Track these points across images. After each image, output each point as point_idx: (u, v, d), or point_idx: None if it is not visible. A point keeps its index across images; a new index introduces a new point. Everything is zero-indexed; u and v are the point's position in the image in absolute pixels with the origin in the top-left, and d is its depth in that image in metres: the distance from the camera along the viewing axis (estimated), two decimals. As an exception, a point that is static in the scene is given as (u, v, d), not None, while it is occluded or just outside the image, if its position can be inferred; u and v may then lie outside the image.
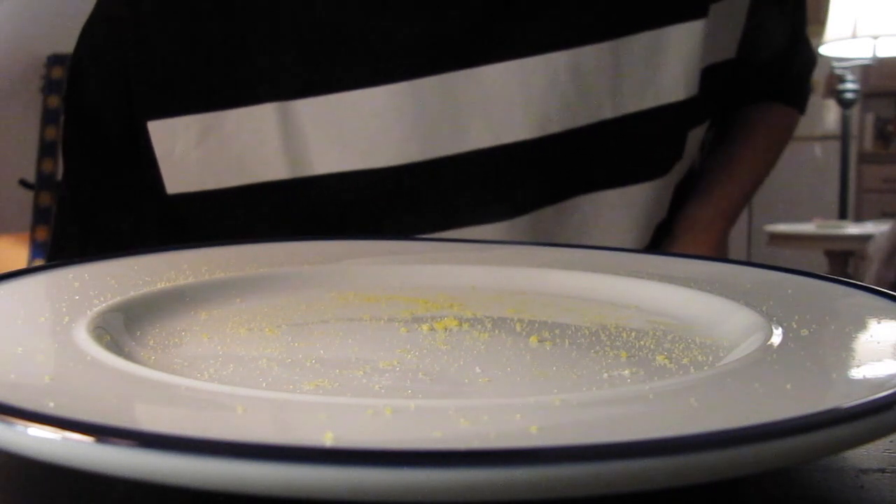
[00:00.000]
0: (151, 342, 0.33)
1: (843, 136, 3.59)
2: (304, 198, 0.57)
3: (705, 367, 0.30)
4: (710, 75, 0.63)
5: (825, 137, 4.27)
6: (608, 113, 0.58)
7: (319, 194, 0.56)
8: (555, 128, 0.57)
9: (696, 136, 0.66)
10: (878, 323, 0.32)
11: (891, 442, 0.28)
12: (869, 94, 4.17)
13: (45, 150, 2.09)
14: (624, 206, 0.60)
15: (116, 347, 0.30)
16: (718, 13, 0.61)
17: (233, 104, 0.56)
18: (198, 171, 0.57)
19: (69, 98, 0.61)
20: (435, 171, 0.56)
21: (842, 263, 2.95)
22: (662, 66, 0.59)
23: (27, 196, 2.08)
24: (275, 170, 0.56)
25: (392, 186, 0.56)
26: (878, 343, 0.29)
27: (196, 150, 0.56)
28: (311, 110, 0.56)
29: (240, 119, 0.56)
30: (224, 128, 0.56)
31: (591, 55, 0.57)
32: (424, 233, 0.57)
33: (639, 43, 0.58)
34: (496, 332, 0.35)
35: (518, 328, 0.36)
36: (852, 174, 3.88)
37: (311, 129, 0.55)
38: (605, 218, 0.60)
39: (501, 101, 0.56)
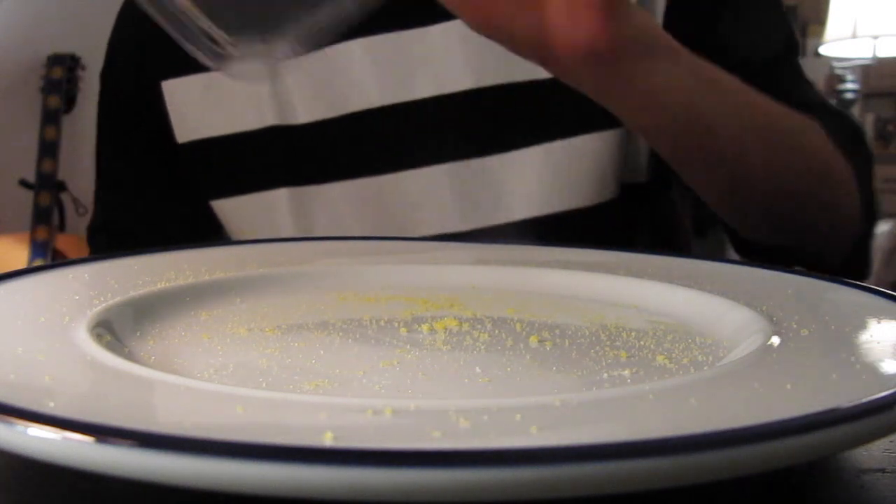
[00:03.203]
0: (151, 342, 0.33)
1: (844, 136, 3.58)
2: (292, 143, 0.66)
3: (705, 367, 0.30)
4: None
5: (825, 137, 4.27)
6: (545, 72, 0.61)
7: (304, 139, 0.66)
8: (490, 80, 0.63)
9: None
10: (878, 323, 0.32)
11: (891, 442, 0.28)
12: (869, 94, 4.16)
13: (45, 150, 2.09)
14: (575, 156, 0.63)
15: (116, 347, 0.30)
16: None
17: None
18: (202, 121, 0.67)
19: (104, 77, 0.74)
20: (391, 115, 0.64)
21: (842, 263, 2.94)
22: None
23: (27, 196, 2.08)
24: (265, 117, 0.66)
25: (359, 131, 0.65)
26: (878, 343, 0.29)
27: (200, 103, 0.67)
28: (293, 65, 0.64)
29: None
30: (223, 82, 0.66)
31: None
32: (388, 171, 0.64)
33: None
34: (496, 332, 0.35)
35: (518, 328, 0.36)
36: (852, 174, 3.87)
37: (293, 81, 0.65)
38: (557, 169, 0.63)
39: (444, 56, 0.64)
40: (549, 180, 0.63)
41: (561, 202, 0.64)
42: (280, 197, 0.65)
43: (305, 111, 0.65)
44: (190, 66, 0.65)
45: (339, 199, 0.65)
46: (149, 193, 0.71)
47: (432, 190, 0.64)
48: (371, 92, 0.64)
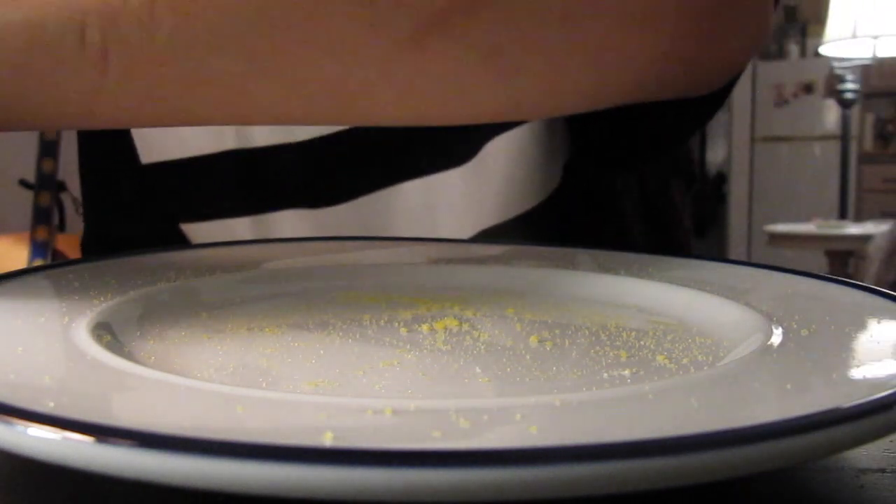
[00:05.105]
0: (151, 342, 0.33)
1: (843, 136, 3.59)
2: (250, 167, 0.64)
3: (705, 367, 0.30)
4: None
5: (825, 137, 4.28)
6: None
7: (260, 164, 0.63)
8: None
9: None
10: (878, 323, 0.32)
11: (891, 442, 0.28)
12: (869, 94, 4.17)
13: (45, 150, 2.09)
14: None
15: (116, 347, 0.30)
16: None
17: None
18: (163, 142, 0.64)
19: None
20: (342, 143, 0.62)
21: (842, 263, 2.95)
22: None
23: (27, 196, 2.08)
24: (226, 140, 0.63)
25: (311, 158, 0.62)
26: (878, 343, 0.29)
27: None
28: None
29: None
30: None
31: None
32: (346, 200, 0.62)
33: None
34: (496, 332, 0.35)
35: (518, 328, 0.36)
36: (852, 174, 3.88)
37: None
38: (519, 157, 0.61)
39: None
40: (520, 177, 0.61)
41: (506, 210, 0.61)
42: (242, 225, 0.63)
43: (262, 134, 0.63)
44: None
45: (300, 228, 0.62)
46: (126, 211, 0.69)
47: (396, 212, 0.61)
48: None
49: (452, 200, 0.61)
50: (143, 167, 0.64)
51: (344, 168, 0.63)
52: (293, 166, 0.63)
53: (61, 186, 2.11)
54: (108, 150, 0.68)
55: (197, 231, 0.64)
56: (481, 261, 0.47)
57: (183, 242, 0.65)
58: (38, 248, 2.01)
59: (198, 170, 0.64)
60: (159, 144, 0.64)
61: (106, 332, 0.31)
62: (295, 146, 0.62)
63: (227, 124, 0.41)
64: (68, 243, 2.08)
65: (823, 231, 3.03)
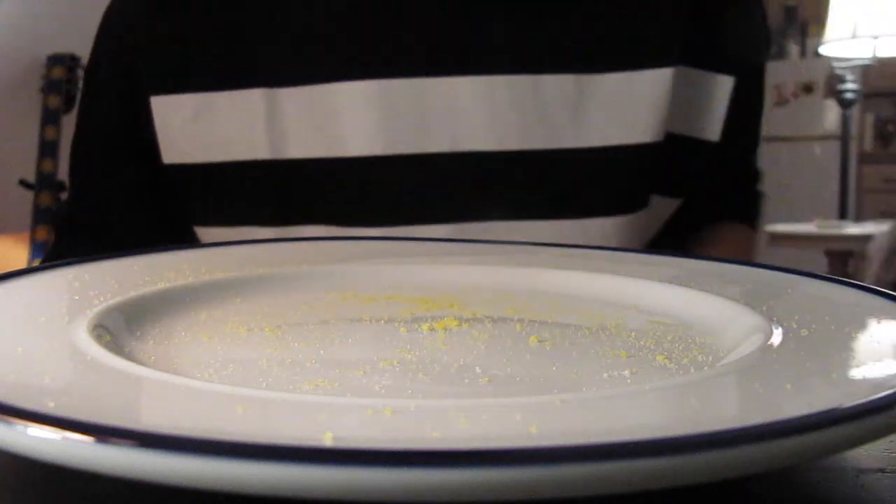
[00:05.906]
0: (151, 342, 0.33)
1: (843, 136, 3.58)
2: (282, 179, 0.62)
3: (705, 367, 0.30)
4: (683, 147, 0.64)
5: (825, 137, 4.27)
6: (569, 142, 0.61)
7: (294, 176, 0.62)
8: (513, 145, 0.61)
9: (665, 206, 0.66)
10: (878, 323, 0.32)
11: (891, 442, 0.28)
12: (869, 94, 4.16)
13: (45, 150, 2.09)
14: (580, 238, 0.61)
15: (116, 347, 0.30)
16: (689, 79, 0.63)
17: (226, 87, 0.63)
18: (191, 145, 0.63)
19: (87, 76, 0.71)
20: (396, 166, 0.61)
21: (842, 263, 2.95)
22: (628, 107, 0.61)
23: (27, 196, 2.07)
24: (258, 150, 0.62)
25: (357, 177, 0.62)
26: (878, 343, 0.29)
27: (191, 126, 0.63)
28: (294, 98, 0.62)
29: (231, 101, 0.62)
30: (217, 107, 0.62)
31: (552, 84, 0.61)
32: (382, 225, 0.61)
33: (605, 82, 0.61)
34: (496, 332, 0.35)
35: (518, 328, 0.36)
36: (852, 174, 3.87)
37: (291, 116, 0.62)
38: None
39: (464, 111, 0.60)
40: None
41: None
42: (264, 235, 0.62)
43: (298, 146, 0.61)
44: (182, 84, 0.63)
45: None
46: (124, 202, 0.67)
47: None
48: (376, 138, 0.60)
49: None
50: (162, 167, 0.63)
51: (385, 193, 0.62)
52: (334, 181, 0.62)
53: (61, 186, 2.11)
54: (123, 145, 0.67)
55: (213, 236, 0.63)
56: (481, 261, 0.47)
57: (189, 240, 0.64)
58: (38, 248, 2.00)
59: (225, 175, 0.63)
60: (185, 146, 0.63)
61: (106, 332, 0.31)
62: (344, 161, 0.61)
63: None
64: (68, 243, 2.08)
65: (823, 231, 3.03)
